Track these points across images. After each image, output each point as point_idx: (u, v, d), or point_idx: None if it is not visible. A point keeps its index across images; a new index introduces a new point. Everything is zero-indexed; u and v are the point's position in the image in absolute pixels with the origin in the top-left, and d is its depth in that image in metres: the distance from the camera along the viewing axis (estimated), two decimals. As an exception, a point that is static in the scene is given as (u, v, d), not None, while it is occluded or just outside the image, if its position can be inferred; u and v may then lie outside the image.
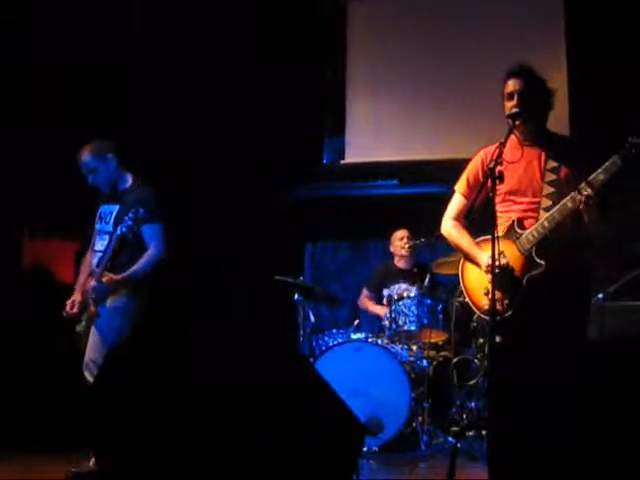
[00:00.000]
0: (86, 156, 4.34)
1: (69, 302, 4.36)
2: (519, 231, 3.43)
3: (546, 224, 3.36)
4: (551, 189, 3.42)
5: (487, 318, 3.49)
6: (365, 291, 6.16)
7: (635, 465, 2.28)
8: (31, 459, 4.65)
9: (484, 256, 3.44)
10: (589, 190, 3.24)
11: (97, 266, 4.28)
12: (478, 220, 3.61)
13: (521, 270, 3.38)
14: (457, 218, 3.69)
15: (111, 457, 2.65)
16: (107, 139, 4.48)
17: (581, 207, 3.26)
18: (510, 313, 3.33)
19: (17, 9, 6.06)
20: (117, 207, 4.34)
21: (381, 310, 5.81)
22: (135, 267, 4.24)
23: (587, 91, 6.20)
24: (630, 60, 6.10)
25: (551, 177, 3.43)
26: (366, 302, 6.10)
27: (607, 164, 3.24)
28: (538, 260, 3.35)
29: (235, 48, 6.74)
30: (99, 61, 6.44)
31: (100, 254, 4.31)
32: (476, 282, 3.57)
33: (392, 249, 6.12)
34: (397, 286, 5.82)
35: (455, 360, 5.36)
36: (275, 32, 6.75)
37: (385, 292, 5.88)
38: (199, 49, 6.74)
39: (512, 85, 3.46)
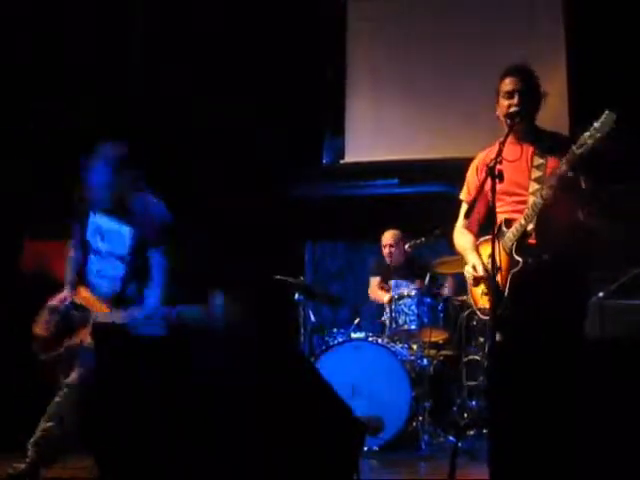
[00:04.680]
0: (103, 161, 3.87)
1: (61, 297, 3.91)
2: (505, 230, 3.44)
3: (522, 221, 3.37)
4: (537, 186, 3.39)
5: (483, 317, 3.57)
6: (373, 280, 6.11)
7: (635, 465, 2.28)
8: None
9: (470, 261, 3.55)
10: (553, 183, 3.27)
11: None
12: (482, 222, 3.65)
13: (506, 268, 3.39)
14: (464, 226, 3.71)
15: (111, 459, 2.66)
16: (107, 139, 4.33)
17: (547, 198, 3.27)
18: (500, 312, 3.33)
19: (17, 9, 6.06)
20: (128, 229, 3.88)
21: (383, 296, 5.79)
22: (148, 307, 3.83)
23: (587, 90, 6.20)
24: (630, 58, 6.10)
25: (537, 174, 3.41)
26: (376, 291, 6.05)
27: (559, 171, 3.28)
28: (516, 257, 3.37)
29: (235, 48, 6.74)
30: (99, 61, 6.44)
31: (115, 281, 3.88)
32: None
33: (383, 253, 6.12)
34: (391, 282, 5.80)
35: (466, 360, 5.37)
36: (275, 32, 6.76)
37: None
38: (199, 49, 6.74)
39: (511, 84, 3.45)
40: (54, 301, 3.89)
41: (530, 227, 3.37)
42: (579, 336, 3.39)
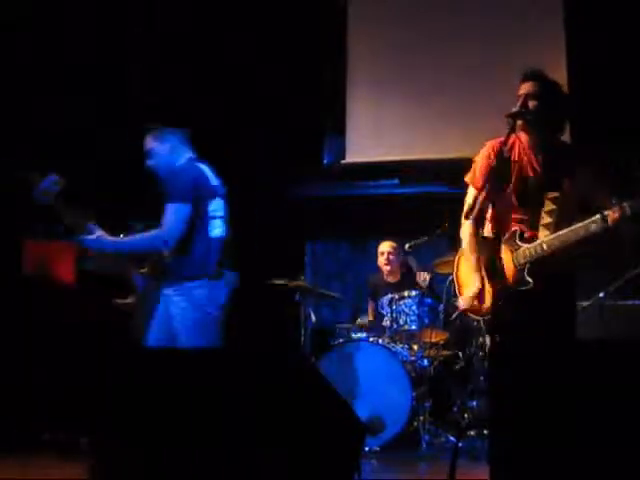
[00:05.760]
0: (148, 137, 4.15)
1: None
2: (519, 243, 3.38)
3: (545, 247, 3.30)
4: (552, 206, 3.35)
5: (471, 315, 3.57)
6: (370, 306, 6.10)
7: (635, 465, 2.28)
8: (30, 459, 4.64)
9: (471, 287, 3.46)
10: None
11: None
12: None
13: (510, 281, 3.35)
14: (473, 216, 3.57)
15: (111, 458, 2.65)
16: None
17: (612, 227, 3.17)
18: (494, 314, 3.30)
19: (17, 9, 6.07)
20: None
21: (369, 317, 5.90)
22: (131, 237, 4.01)
23: (587, 90, 6.19)
24: (630, 59, 6.10)
25: (554, 194, 3.37)
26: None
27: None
28: (527, 278, 3.32)
29: (235, 48, 6.74)
30: (99, 62, 6.45)
31: None
32: (465, 279, 3.61)
33: (378, 262, 6.03)
34: (386, 297, 5.75)
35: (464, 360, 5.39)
36: (275, 32, 6.76)
37: (378, 302, 5.88)
38: (199, 49, 6.74)
39: (522, 89, 3.39)
40: None
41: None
42: (573, 337, 3.39)
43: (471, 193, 3.60)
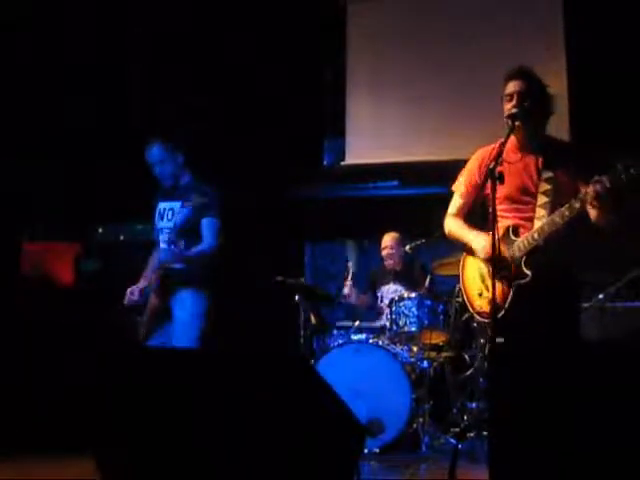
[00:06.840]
0: (158, 147, 4.44)
1: (130, 289, 4.37)
2: (513, 238, 3.41)
3: (536, 235, 3.34)
4: (545, 199, 3.38)
5: (480, 319, 3.55)
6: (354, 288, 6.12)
7: (635, 466, 2.28)
8: (28, 462, 4.63)
9: (480, 240, 3.47)
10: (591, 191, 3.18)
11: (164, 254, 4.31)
12: (475, 219, 3.63)
13: (511, 276, 3.37)
14: (457, 215, 3.69)
15: (112, 461, 2.65)
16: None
17: (590, 204, 3.20)
18: (502, 314, 3.31)
19: (17, 9, 6.07)
20: (178, 204, 4.40)
21: (362, 300, 5.94)
22: (193, 250, 4.27)
23: (587, 90, 6.20)
24: (630, 58, 6.10)
25: (546, 187, 3.40)
26: (350, 293, 6.03)
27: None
28: (525, 270, 3.34)
29: (235, 48, 6.74)
30: (99, 62, 6.45)
31: (165, 245, 4.35)
32: (472, 283, 3.59)
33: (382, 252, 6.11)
34: (387, 287, 5.83)
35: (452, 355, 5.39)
36: (275, 32, 6.76)
37: (378, 293, 5.93)
38: (199, 49, 6.74)
39: (512, 86, 3.45)
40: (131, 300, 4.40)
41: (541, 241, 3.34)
42: (576, 339, 3.40)
43: (457, 199, 3.71)
